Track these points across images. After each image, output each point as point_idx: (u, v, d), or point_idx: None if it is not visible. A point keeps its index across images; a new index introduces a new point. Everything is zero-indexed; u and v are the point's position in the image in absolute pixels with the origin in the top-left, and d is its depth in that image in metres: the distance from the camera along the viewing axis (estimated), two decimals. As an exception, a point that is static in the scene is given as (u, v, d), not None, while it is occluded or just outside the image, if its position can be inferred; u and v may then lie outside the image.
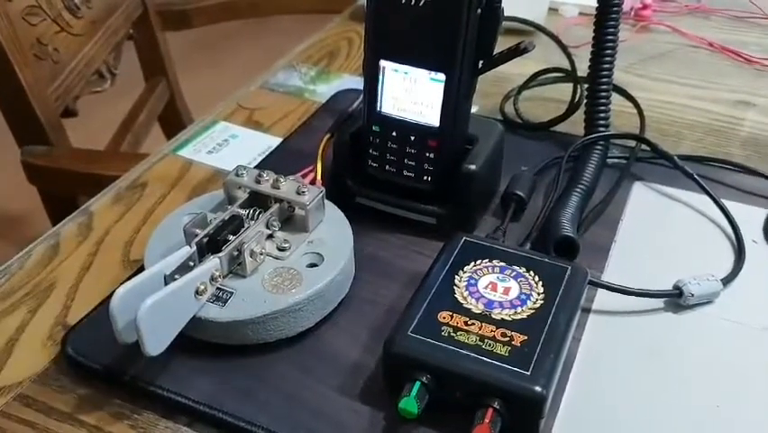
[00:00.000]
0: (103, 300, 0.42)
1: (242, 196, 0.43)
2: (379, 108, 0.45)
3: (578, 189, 0.48)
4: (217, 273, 0.38)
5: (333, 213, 0.44)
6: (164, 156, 0.57)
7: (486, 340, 0.35)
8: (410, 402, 0.33)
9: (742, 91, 0.65)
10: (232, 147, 0.58)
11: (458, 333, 0.35)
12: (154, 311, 0.34)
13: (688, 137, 0.59)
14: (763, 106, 0.63)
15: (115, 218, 0.50)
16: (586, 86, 0.54)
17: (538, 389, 0.33)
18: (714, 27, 0.78)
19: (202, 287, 0.37)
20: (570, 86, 0.58)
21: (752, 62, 0.70)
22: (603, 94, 0.53)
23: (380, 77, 0.44)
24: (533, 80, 0.63)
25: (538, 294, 0.38)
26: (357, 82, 0.65)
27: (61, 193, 0.88)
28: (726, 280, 0.43)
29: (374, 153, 0.47)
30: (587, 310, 0.41)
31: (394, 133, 0.45)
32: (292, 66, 0.71)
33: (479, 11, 0.41)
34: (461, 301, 0.37)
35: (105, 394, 0.37)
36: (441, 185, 0.46)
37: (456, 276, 0.39)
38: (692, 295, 0.41)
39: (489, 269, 0.39)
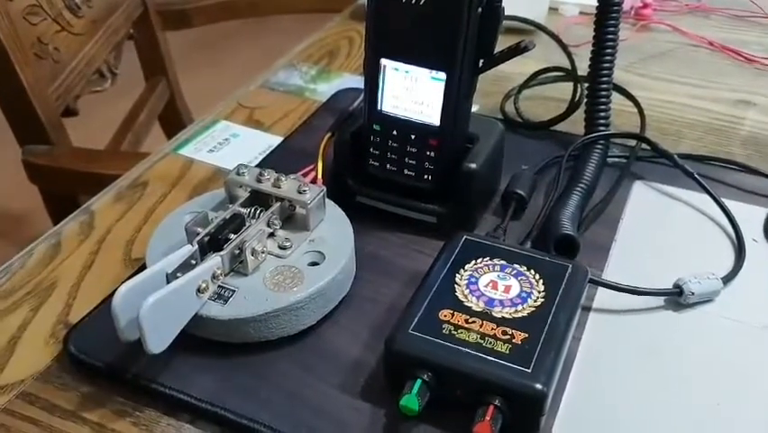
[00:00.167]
0: (105, 299, 0.42)
1: (244, 195, 0.43)
2: (379, 107, 0.45)
3: (578, 188, 0.48)
4: (219, 272, 0.38)
5: (334, 212, 0.44)
6: (165, 155, 0.57)
7: (487, 338, 0.35)
8: (411, 400, 0.33)
9: (742, 90, 0.65)
10: (232, 146, 0.58)
11: (459, 331, 0.36)
12: (156, 309, 0.34)
13: (688, 136, 0.59)
14: (764, 106, 0.63)
15: (117, 217, 0.50)
16: (586, 85, 0.54)
17: (539, 386, 0.33)
18: (714, 26, 0.78)
19: (204, 285, 0.37)
20: (570, 85, 0.58)
21: (752, 61, 0.70)
22: (603, 93, 0.53)
23: (381, 76, 0.44)
24: (533, 79, 0.63)
25: (539, 292, 0.38)
26: (357, 81, 0.65)
27: (62, 192, 0.88)
28: (727, 279, 0.43)
29: (375, 152, 0.47)
30: (587, 309, 0.41)
31: (395, 132, 0.46)
32: (292, 65, 0.71)
33: (479, 10, 0.41)
34: (462, 299, 0.37)
35: (108, 392, 0.37)
36: (441, 184, 0.46)
37: (457, 274, 0.39)
38: (693, 293, 0.41)
39: (490, 267, 0.40)
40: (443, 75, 0.43)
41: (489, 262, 0.40)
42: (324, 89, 0.66)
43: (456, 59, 0.42)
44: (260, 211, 0.42)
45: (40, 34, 0.82)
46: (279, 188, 0.42)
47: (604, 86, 0.53)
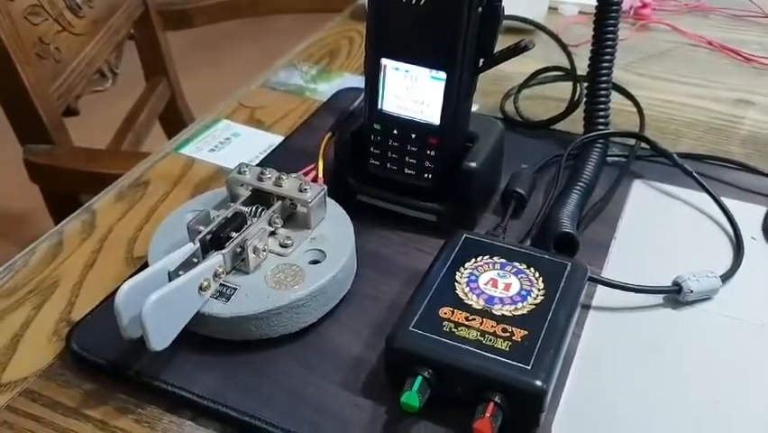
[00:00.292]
0: (107, 297, 0.42)
1: (245, 193, 0.43)
2: (380, 106, 0.46)
3: (578, 187, 0.48)
4: (221, 270, 0.38)
5: (335, 210, 0.44)
6: (166, 154, 0.58)
7: (487, 335, 0.35)
8: (412, 397, 0.33)
9: (741, 90, 0.66)
10: (233, 145, 0.59)
11: (459, 328, 0.36)
12: (159, 307, 0.34)
13: (687, 135, 0.59)
14: (762, 105, 0.63)
15: (118, 216, 0.51)
16: (585, 84, 0.55)
17: (539, 383, 0.33)
18: (713, 26, 0.78)
19: (205, 283, 0.37)
20: (569, 84, 0.58)
21: (751, 61, 0.70)
22: (603, 92, 0.53)
23: (381, 75, 0.45)
24: (533, 79, 0.63)
25: (538, 290, 0.38)
26: (358, 81, 0.65)
27: (63, 192, 0.88)
28: (725, 277, 0.43)
29: (375, 151, 0.47)
30: (587, 307, 0.42)
31: (395, 131, 0.46)
32: (293, 65, 0.71)
33: (479, 10, 0.41)
34: (462, 297, 0.38)
35: (110, 389, 0.38)
36: (441, 182, 0.46)
37: (457, 272, 0.39)
38: (691, 291, 0.41)
39: (490, 265, 0.40)
40: (443, 74, 0.43)
41: (489, 260, 0.40)
42: (325, 89, 0.66)
43: (456, 59, 0.42)
44: (262, 210, 0.42)
45: (41, 34, 0.82)
46: (281, 186, 0.43)
47: (603, 85, 0.53)
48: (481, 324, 0.36)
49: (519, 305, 0.37)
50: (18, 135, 0.83)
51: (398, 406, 0.34)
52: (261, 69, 0.70)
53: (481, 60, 0.44)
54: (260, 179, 0.43)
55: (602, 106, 0.53)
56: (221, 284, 0.39)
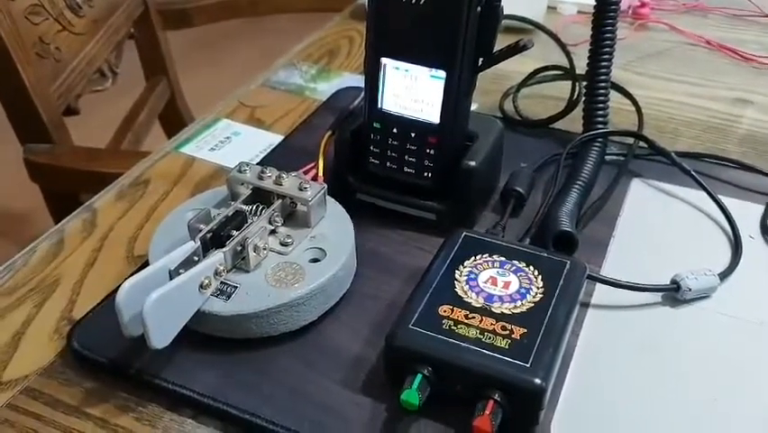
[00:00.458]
0: (108, 295, 0.42)
1: (245, 192, 0.43)
2: (379, 105, 0.46)
3: (576, 186, 0.49)
4: (221, 268, 0.38)
5: (335, 209, 0.45)
6: (166, 153, 0.58)
7: (486, 333, 0.36)
8: (412, 394, 0.34)
9: (739, 89, 0.66)
10: (234, 144, 0.59)
11: (458, 326, 0.36)
12: (160, 305, 0.34)
13: (685, 134, 0.59)
14: (761, 104, 0.63)
15: (119, 215, 0.51)
16: (584, 83, 0.55)
17: (538, 381, 0.33)
18: (712, 25, 0.78)
19: (206, 281, 0.37)
20: (568, 83, 0.59)
21: (749, 60, 0.71)
22: (601, 91, 0.53)
23: (381, 74, 0.45)
24: (532, 78, 0.63)
25: (537, 288, 0.38)
26: (357, 80, 0.66)
27: (63, 191, 0.88)
28: (724, 275, 0.43)
29: (375, 150, 0.47)
30: (585, 305, 0.42)
31: (395, 130, 0.46)
32: (293, 64, 0.71)
33: (479, 9, 0.41)
34: (462, 295, 0.38)
35: (111, 387, 0.38)
36: (441, 181, 0.46)
37: (456, 271, 0.39)
38: (690, 289, 0.42)
39: (489, 263, 0.40)
40: (442, 73, 0.43)
41: (489, 258, 0.40)
42: (325, 88, 0.66)
43: (456, 58, 0.42)
44: (262, 208, 0.42)
45: (41, 34, 0.83)
46: (281, 185, 0.43)
47: (602, 84, 0.53)
48: (481, 322, 0.36)
49: (518, 303, 0.37)
50: (18, 135, 0.83)
51: (398, 404, 0.34)
52: (261, 68, 0.71)
53: (481, 60, 0.44)
54: (261, 178, 0.43)
55: (601, 105, 0.54)
56: (221, 282, 0.39)
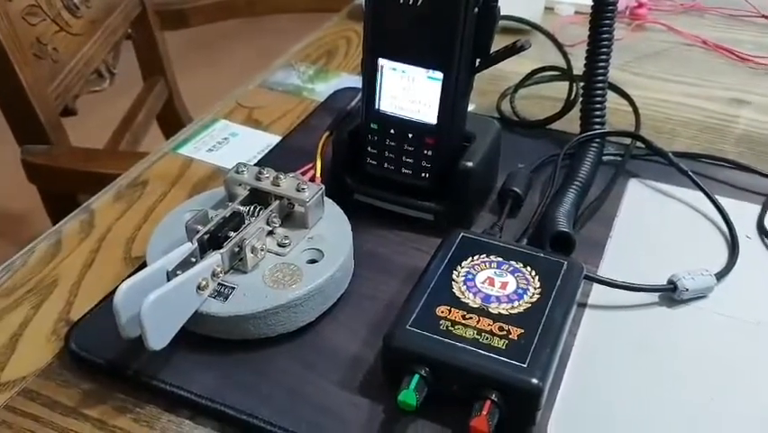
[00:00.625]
0: (106, 296, 0.42)
1: (243, 193, 0.43)
2: (377, 106, 0.46)
3: (574, 186, 0.49)
4: (219, 269, 0.38)
5: (333, 210, 0.45)
6: (164, 154, 0.58)
7: (483, 334, 0.36)
8: (409, 395, 0.34)
9: (736, 89, 0.66)
10: (231, 145, 0.59)
11: (456, 327, 0.36)
12: (157, 306, 0.34)
13: (682, 134, 0.59)
14: (757, 104, 0.64)
15: (117, 216, 0.51)
16: (581, 84, 0.55)
17: (535, 381, 0.33)
18: (708, 25, 0.78)
19: (204, 282, 0.37)
20: (566, 84, 0.59)
21: (746, 60, 0.71)
22: (598, 92, 0.54)
23: (379, 75, 0.45)
24: (529, 79, 0.63)
25: (535, 289, 0.38)
26: (355, 81, 0.66)
27: (61, 192, 0.88)
28: (720, 275, 0.43)
29: (372, 151, 0.47)
30: (583, 305, 0.42)
31: (392, 131, 0.46)
32: (291, 65, 0.71)
33: (476, 10, 0.42)
34: (459, 296, 0.38)
35: (109, 388, 0.38)
36: (438, 182, 0.46)
37: (454, 271, 0.39)
38: (686, 290, 0.42)
39: (487, 264, 0.40)
40: (440, 74, 0.43)
41: (486, 258, 0.40)
42: (322, 89, 0.67)
43: (453, 59, 0.43)
44: (260, 209, 0.42)
45: (39, 34, 0.82)
46: (278, 186, 0.43)
47: (599, 85, 0.53)
48: (478, 322, 0.36)
49: (516, 303, 0.37)
50: (16, 136, 0.83)
51: (396, 404, 0.34)
52: (259, 68, 0.71)
53: (478, 61, 0.44)
54: (258, 179, 0.43)
55: (598, 106, 0.54)
56: (219, 283, 0.39)
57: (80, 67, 0.89)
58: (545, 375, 0.34)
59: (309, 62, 0.72)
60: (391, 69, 0.44)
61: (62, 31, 0.87)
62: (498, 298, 0.38)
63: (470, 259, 0.40)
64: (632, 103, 0.59)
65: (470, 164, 0.45)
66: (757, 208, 0.49)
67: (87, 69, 0.92)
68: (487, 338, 0.35)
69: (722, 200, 0.49)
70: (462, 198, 0.47)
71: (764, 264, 0.46)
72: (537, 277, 0.39)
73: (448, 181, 0.46)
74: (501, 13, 0.42)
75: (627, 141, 0.55)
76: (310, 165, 0.49)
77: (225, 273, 0.39)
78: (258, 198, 0.43)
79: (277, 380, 0.38)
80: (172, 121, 1.10)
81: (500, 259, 0.40)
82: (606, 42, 0.53)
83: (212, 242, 0.39)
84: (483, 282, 0.39)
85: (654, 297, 0.43)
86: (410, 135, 0.46)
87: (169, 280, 0.37)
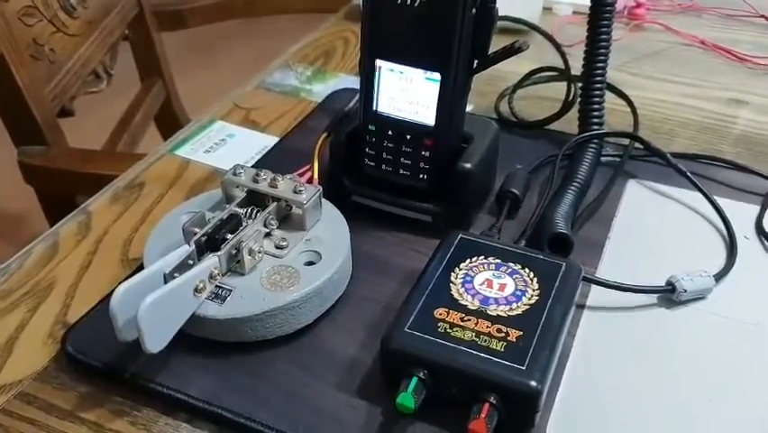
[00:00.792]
0: (102, 299, 0.42)
1: (240, 195, 0.43)
2: (375, 108, 0.46)
3: (572, 187, 0.49)
4: (216, 271, 0.38)
5: (331, 211, 0.45)
6: (161, 156, 0.58)
7: (481, 336, 0.36)
8: (407, 398, 0.33)
9: (734, 89, 0.66)
10: (229, 146, 0.59)
11: (454, 329, 0.36)
12: (154, 309, 0.34)
13: (680, 135, 0.59)
14: (755, 104, 0.63)
15: (114, 218, 0.51)
16: (580, 84, 0.55)
17: (533, 383, 0.33)
18: (706, 25, 0.78)
19: (201, 285, 0.37)
20: (564, 84, 0.59)
21: (744, 60, 0.71)
22: (597, 92, 0.54)
23: (376, 76, 0.45)
24: (527, 79, 0.63)
25: (533, 290, 0.38)
26: (353, 82, 0.66)
27: (58, 193, 0.88)
28: (719, 276, 0.43)
29: (370, 152, 0.47)
30: (581, 306, 0.42)
31: (390, 132, 0.46)
32: (288, 65, 0.71)
33: (473, 11, 0.41)
34: (457, 298, 0.38)
35: (106, 391, 0.38)
36: (437, 183, 0.46)
37: (452, 273, 0.39)
38: (685, 291, 0.42)
39: (485, 266, 0.40)
40: (437, 76, 0.43)
41: (484, 260, 0.40)
42: (320, 90, 0.66)
43: (451, 61, 0.42)
44: (257, 211, 0.42)
45: (35, 35, 0.82)
46: (276, 188, 0.43)
47: (597, 85, 0.53)
48: (476, 324, 0.36)
49: (514, 305, 0.37)
50: (12, 137, 0.83)
51: (394, 407, 0.34)
52: (257, 69, 0.70)
53: (476, 62, 0.44)
54: (256, 181, 0.43)
55: (596, 106, 0.54)
56: (216, 286, 0.39)
57: (77, 68, 0.89)
58: (544, 377, 0.34)
59: (307, 63, 0.72)
60: (389, 70, 0.44)
61: (59, 31, 0.86)
62: (496, 299, 0.38)
63: (469, 261, 0.40)
64: (630, 103, 0.59)
65: (468, 165, 0.45)
66: (755, 209, 0.49)
67: (84, 70, 0.91)
68: (485, 340, 0.35)
69: (720, 201, 0.49)
70: (461, 199, 0.46)
71: (763, 265, 0.45)
72: (536, 279, 0.39)
73: (446, 183, 0.46)
74: (499, 14, 0.42)
75: (626, 141, 0.55)
76: (308, 166, 0.49)
77: (223, 276, 0.39)
78: (255, 199, 0.43)
79: (274, 382, 0.38)
80: (170, 122, 1.10)
81: (499, 260, 0.40)
82: (604, 43, 0.52)
83: (209, 244, 0.39)
84: (481, 284, 0.39)
85: (653, 298, 0.43)
86: (408, 137, 0.45)
87: (166, 282, 0.37)
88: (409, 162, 0.46)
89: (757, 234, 0.48)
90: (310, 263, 0.41)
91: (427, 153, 0.45)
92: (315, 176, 0.48)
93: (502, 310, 0.37)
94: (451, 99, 0.44)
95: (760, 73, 0.69)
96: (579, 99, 0.55)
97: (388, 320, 0.37)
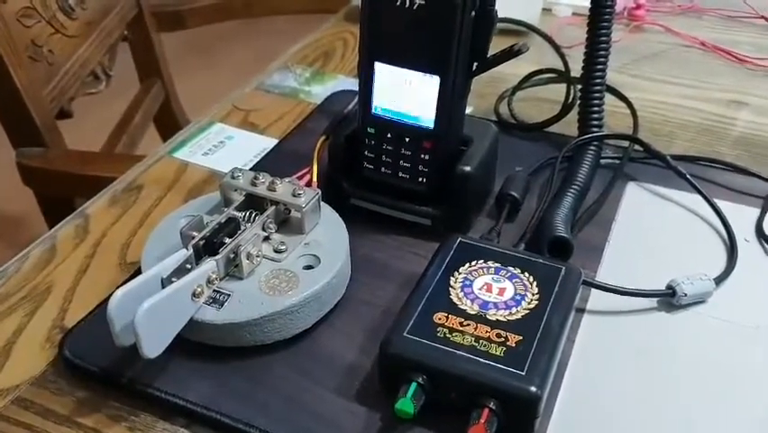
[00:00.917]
0: (100, 303, 0.42)
1: (239, 198, 0.43)
2: (374, 110, 0.46)
3: (572, 190, 0.48)
4: (214, 276, 0.38)
5: (329, 215, 0.44)
6: (160, 158, 0.57)
7: (481, 341, 0.35)
8: (406, 403, 0.33)
9: (734, 91, 0.66)
10: (227, 149, 0.58)
11: (453, 334, 0.36)
12: (152, 314, 0.34)
13: (680, 137, 0.59)
14: (755, 106, 0.63)
15: (112, 221, 0.50)
16: (579, 86, 0.55)
17: (533, 389, 0.33)
18: (706, 27, 0.78)
19: (199, 289, 0.37)
20: (563, 86, 0.58)
21: (744, 62, 0.71)
22: (596, 94, 0.53)
23: (375, 79, 0.45)
24: (527, 81, 0.63)
25: (533, 295, 0.38)
26: (352, 83, 0.65)
27: (57, 195, 0.88)
28: (719, 280, 0.43)
29: (369, 155, 0.47)
30: (581, 310, 0.42)
31: (389, 135, 0.46)
32: (287, 67, 0.71)
33: (473, 13, 0.41)
34: (457, 302, 0.38)
35: (103, 397, 0.37)
36: (436, 186, 0.46)
37: (451, 277, 0.39)
38: (685, 295, 0.41)
39: (484, 270, 0.40)
40: (437, 78, 0.43)
41: (484, 264, 0.40)
42: (319, 91, 0.66)
43: (450, 63, 0.42)
44: (255, 215, 0.42)
45: (34, 37, 0.82)
46: (274, 191, 0.42)
47: (597, 87, 0.53)
48: (476, 329, 0.36)
49: (513, 310, 0.37)
50: (11, 138, 0.83)
51: (393, 413, 0.34)
52: (256, 70, 0.70)
53: (475, 64, 0.44)
54: (254, 184, 0.43)
55: (596, 108, 0.53)
56: (214, 290, 0.39)
57: (76, 69, 0.89)
58: (544, 383, 0.34)
59: (306, 64, 0.72)
60: (388, 72, 0.44)
61: (58, 33, 0.86)
62: (495, 304, 0.37)
63: (468, 265, 0.40)
64: (630, 105, 0.59)
65: (467, 168, 0.45)
66: (756, 212, 0.49)
67: (83, 71, 0.91)
68: (485, 345, 0.35)
69: (720, 203, 0.49)
70: (460, 202, 0.46)
71: (763, 268, 0.45)
72: (535, 283, 0.39)
73: (445, 186, 0.46)
74: (498, 16, 0.42)
75: (625, 143, 0.55)
76: (306, 169, 0.49)
77: (221, 280, 0.39)
78: (253, 203, 0.43)
79: (273, 387, 0.37)
80: (169, 123, 1.10)
81: (498, 265, 0.40)
82: (604, 44, 0.52)
83: (207, 248, 0.39)
84: (481, 288, 0.38)
85: (653, 302, 0.42)
86: (407, 139, 0.45)
87: (163, 287, 0.36)
88: (408, 165, 0.46)
89: (757, 237, 0.47)
90: (309, 267, 0.41)
91: (426, 156, 0.45)
92: (314, 179, 0.48)
93: (501, 315, 0.37)
94: (450, 102, 0.44)
95: (760, 74, 0.69)
96: (578, 101, 0.55)
97: (387, 325, 0.37)
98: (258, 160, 0.56)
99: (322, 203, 0.44)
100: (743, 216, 0.49)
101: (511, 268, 0.40)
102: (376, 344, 0.36)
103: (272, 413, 0.36)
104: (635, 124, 0.58)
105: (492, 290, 0.38)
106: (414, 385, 0.34)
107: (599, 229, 0.48)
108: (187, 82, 1.29)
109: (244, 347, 0.39)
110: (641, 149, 0.53)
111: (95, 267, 0.46)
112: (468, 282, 0.39)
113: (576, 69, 0.56)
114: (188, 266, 0.38)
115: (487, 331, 0.36)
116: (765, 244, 0.47)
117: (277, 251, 0.41)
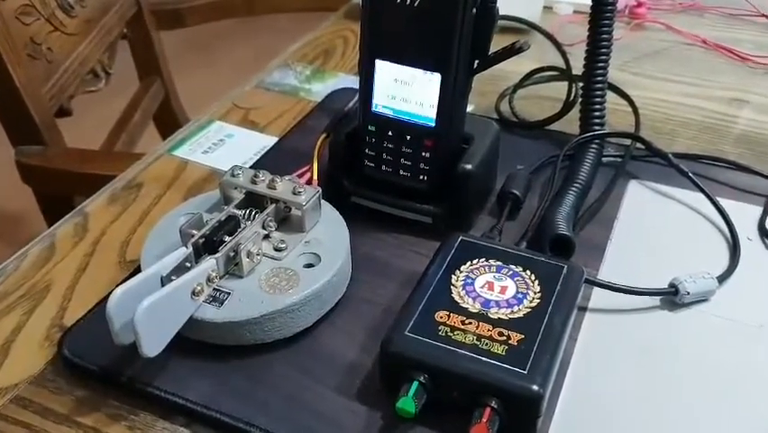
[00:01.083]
0: (99, 301, 0.42)
1: (238, 196, 0.43)
2: (374, 108, 0.45)
3: (573, 188, 0.48)
4: (214, 274, 0.38)
5: (330, 213, 0.44)
6: (159, 156, 0.57)
7: (483, 339, 0.35)
8: (408, 402, 0.33)
9: (736, 89, 0.65)
10: (227, 147, 0.58)
11: (455, 332, 0.36)
12: (151, 313, 0.34)
13: (682, 135, 0.59)
14: (757, 104, 0.63)
15: (111, 219, 0.50)
16: (581, 84, 0.54)
17: (535, 387, 0.33)
18: (708, 25, 0.78)
19: (199, 288, 0.37)
20: (565, 84, 0.58)
21: (745, 60, 0.70)
22: (598, 92, 0.53)
23: (376, 76, 0.44)
24: (528, 79, 0.63)
25: (534, 293, 0.38)
26: (352, 81, 0.65)
27: (56, 193, 0.87)
28: (722, 278, 0.43)
29: (370, 153, 0.47)
30: (583, 309, 0.41)
31: (390, 133, 0.45)
32: (287, 65, 0.71)
33: (474, 10, 0.41)
34: (458, 301, 0.37)
35: (102, 395, 0.37)
36: (437, 184, 0.46)
37: (453, 275, 0.39)
38: (688, 293, 0.41)
39: (486, 268, 0.40)
40: (437, 76, 0.43)
41: (485, 262, 0.40)
42: (319, 89, 0.66)
43: (451, 61, 0.42)
44: (256, 213, 0.42)
45: (33, 34, 0.82)
46: (274, 189, 0.42)
47: (598, 85, 0.53)
48: (477, 328, 0.36)
49: (515, 308, 0.37)
50: (10, 136, 0.83)
51: (394, 412, 0.33)
52: (256, 69, 0.70)
53: (476, 62, 0.44)
54: (254, 182, 0.43)
55: (597, 106, 0.53)
56: (214, 289, 0.38)
57: (75, 67, 0.89)
58: (546, 382, 0.34)
59: (306, 62, 0.71)
60: (389, 69, 0.44)
61: (57, 30, 0.86)
62: (497, 302, 0.37)
63: (470, 263, 0.40)
64: (632, 103, 0.59)
65: (469, 167, 0.45)
66: (758, 210, 0.49)
67: (83, 69, 0.91)
68: (486, 344, 0.35)
69: (723, 202, 0.48)
70: (461, 200, 0.46)
71: (766, 266, 0.45)
72: (537, 281, 0.39)
73: (447, 184, 0.45)
74: (500, 13, 0.42)
75: (627, 142, 0.54)
76: (307, 167, 0.49)
77: (221, 278, 0.39)
78: (253, 201, 0.43)
79: (273, 386, 0.37)
80: (169, 121, 1.10)
81: (500, 263, 0.40)
82: (605, 42, 0.52)
83: (207, 246, 0.39)
84: (482, 287, 0.38)
85: (656, 300, 0.42)
86: (408, 137, 0.45)
87: (163, 285, 0.36)
88: (409, 163, 0.46)
89: (760, 236, 0.47)
90: (309, 266, 0.40)
91: (427, 154, 0.45)
92: (315, 177, 0.48)
93: (503, 313, 0.37)
94: (451, 99, 0.43)
95: (761, 73, 0.68)
96: (580, 99, 0.54)
97: (388, 323, 0.37)
98: (258, 158, 0.56)
99: (322, 201, 0.44)
100: (745, 215, 0.48)
101: (513, 266, 0.40)
102: (377, 342, 0.36)
103: (273, 412, 0.36)
104: (636, 123, 0.57)
105: (494, 288, 0.38)
106: (415, 384, 0.34)
107: (601, 227, 0.48)
108: (187, 80, 1.29)
109: (244, 346, 0.38)
110: (643, 147, 0.53)
111: (94, 265, 0.46)
112: (469, 281, 0.39)
113: (577, 67, 0.56)
114: (188, 264, 0.38)
115: (488, 330, 0.36)
116: (768, 243, 0.47)
117: (277, 249, 0.41)
